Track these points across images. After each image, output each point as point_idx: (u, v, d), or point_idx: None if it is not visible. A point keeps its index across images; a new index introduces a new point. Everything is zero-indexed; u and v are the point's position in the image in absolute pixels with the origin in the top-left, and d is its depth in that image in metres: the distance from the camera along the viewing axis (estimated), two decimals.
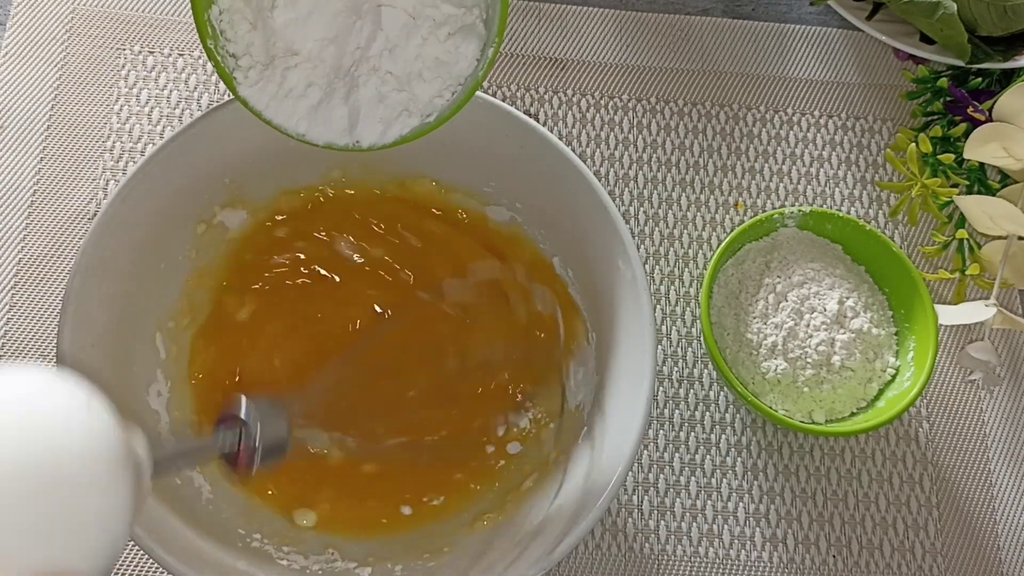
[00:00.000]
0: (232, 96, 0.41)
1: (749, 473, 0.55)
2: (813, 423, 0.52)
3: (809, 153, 0.63)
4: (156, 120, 0.59)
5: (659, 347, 0.57)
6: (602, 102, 0.63)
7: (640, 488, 0.54)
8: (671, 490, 0.54)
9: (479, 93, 0.47)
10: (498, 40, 0.38)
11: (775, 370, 0.51)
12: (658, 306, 0.58)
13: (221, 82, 0.60)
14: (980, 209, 0.57)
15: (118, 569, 0.50)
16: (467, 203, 0.52)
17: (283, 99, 0.40)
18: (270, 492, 0.48)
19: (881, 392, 0.53)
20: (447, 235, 0.53)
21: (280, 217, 0.52)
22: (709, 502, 0.54)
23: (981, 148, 0.58)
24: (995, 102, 0.58)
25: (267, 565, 0.44)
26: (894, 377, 0.53)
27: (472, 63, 0.40)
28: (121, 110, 0.60)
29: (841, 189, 0.62)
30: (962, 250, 0.60)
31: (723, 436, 0.56)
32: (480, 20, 0.40)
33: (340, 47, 0.40)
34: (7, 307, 0.55)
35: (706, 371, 0.57)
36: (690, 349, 0.57)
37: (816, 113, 0.64)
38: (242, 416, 0.36)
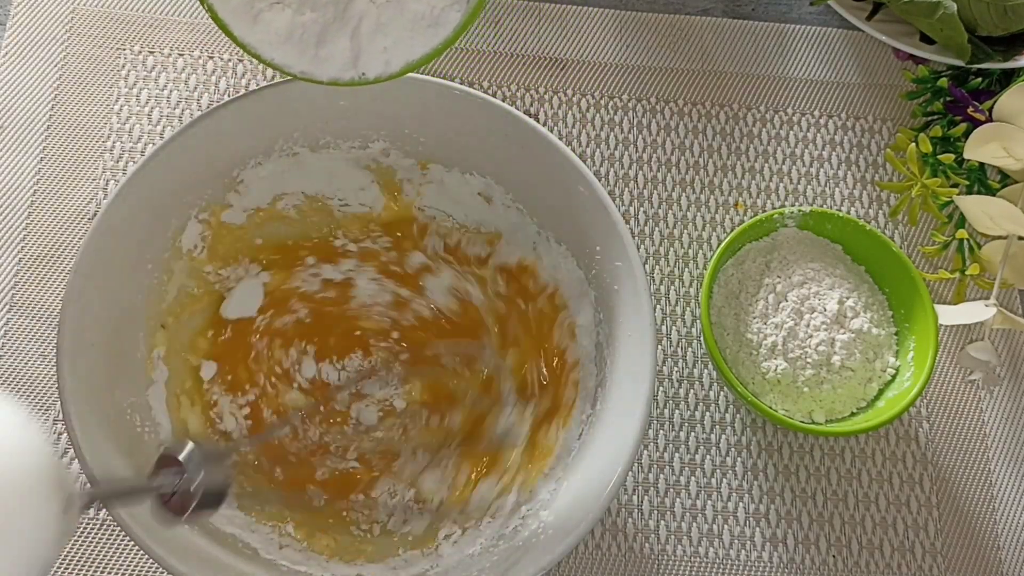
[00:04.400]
0: (231, 97, 0.41)
1: (749, 473, 0.55)
2: (813, 423, 0.52)
3: (809, 153, 0.63)
4: (156, 120, 0.59)
5: (659, 347, 0.57)
6: (602, 102, 0.63)
7: (640, 488, 0.54)
8: (671, 490, 0.54)
9: (479, 93, 0.47)
10: None
11: (775, 370, 0.51)
12: (658, 306, 0.58)
13: (221, 82, 0.60)
14: (980, 209, 0.57)
15: (118, 569, 0.50)
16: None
17: (284, 40, 0.40)
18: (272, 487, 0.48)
19: (881, 392, 0.53)
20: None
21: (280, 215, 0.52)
22: (709, 502, 0.54)
23: (981, 148, 0.57)
24: (995, 102, 0.58)
25: (267, 565, 0.44)
26: (894, 377, 0.53)
27: None
28: (121, 110, 0.60)
29: (841, 189, 0.62)
30: (962, 250, 0.60)
31: (723, 436, 0.56)
32: None
33: None
34: (7, 307, 0.55)
35: (706, 371, 0.57)
36: (690, 349, 0.57)
37: (816, 113, 0.64)
38: (181, 459, 0.35)
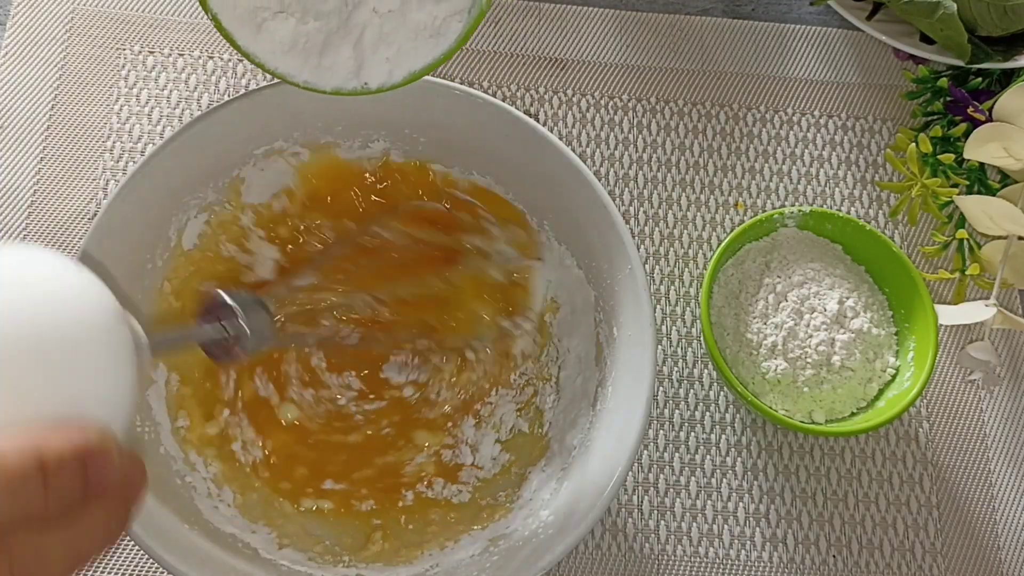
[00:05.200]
0: (231, 97, 0.41)
1: (749, 473, 0.55)
2: (813, 423, 0.52)
3: (809, 153, 0.63)
4: (156, 120, 0.59)
5: (659, 347, 0.57)
6: (602, 102, 0.63)
7: (640, 488, 0.54)
8: (671, 490, 0.54)
9: (479, 93, 0.47)
10: None
11: (775, 370, 0.51)
12: (658, 306, 0.58)
13: (221, 82, 0.60)
14: (980, 209, 0.57)
15: (118, 570, 0.50)
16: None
17: (288, 50, 0.40)
18: (283, 486, 0.48)
19: (881, 392, 0.53)
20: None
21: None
22: (709, 502, 0.54)
23: (981, 148, 0.58)
24: (995, 102, 0.58)
25: (267, 565, 0.44)
26: (894, 377, 0.53)
27: None
28: (121, 110, 0.60)
29: (841, 189, 0.62)
30: (962, 250, 0.60)
31: (723, 436, 0.56)
32: None
33: None
34: None
35: (706, 371, 0.57)
36: (690, 349, 0.57)
37: (816, 113, 0.64)
38: (228, 302, 0.36)
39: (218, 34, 0.51)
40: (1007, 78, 0.63)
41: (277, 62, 0.40)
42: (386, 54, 0.40)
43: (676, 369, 0.57)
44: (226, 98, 0.51)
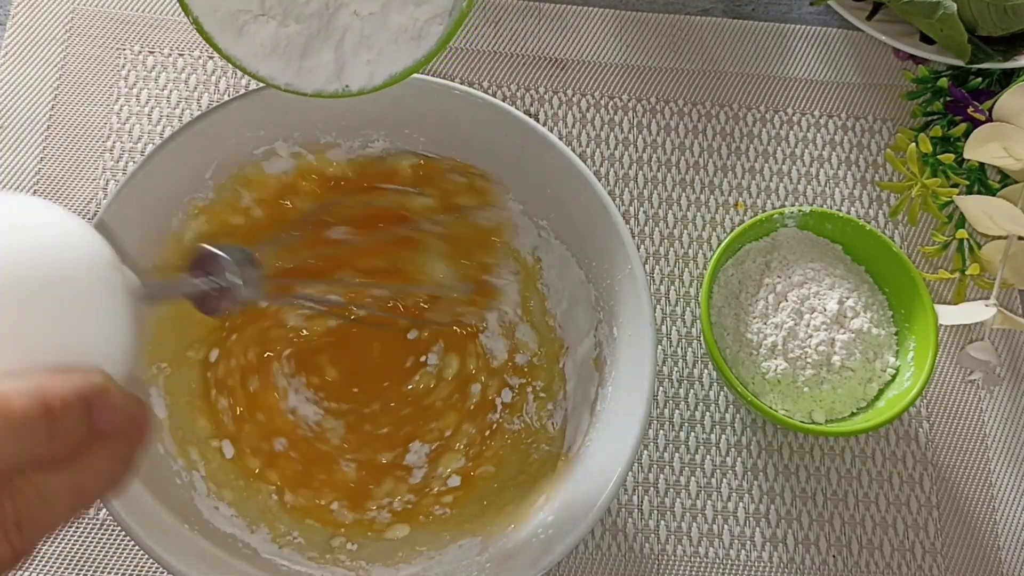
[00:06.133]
0: (231, 97, 0.41)
1: (749, 473, 0.55)
2: (813, 423, 0.52)
3: (809, 153, 0.63)
4: (156, 120, 0.59)
5: (659, 347, 0.57)
6: (602, 102, 0.63)
7: (640, 488, 0.54)
8: (671, 490, 0.54)
9: (479, 93, 0.47)
10: None
11: (775, 370, 0.51)
12: (658, 306, 0.58)
13: (221, 82, 0.60)
14: (980, 209, 0.57)
15: (118, 569, 0.50)
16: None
17: (269, 52, 0.40)
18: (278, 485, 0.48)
19: (881, 392, 0.53)
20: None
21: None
22: (709, 502, 0.54)
23: (981, 148, 0.58)
24: (995, 102, 0.58)
25: (267, 565, 0.44)
26: (894, 377, 0.53)
27: None
28: (121, 110, 0.60)
29: (841, 189, 0.62)
30: (962, 250, 0.60)
31: (723, 436, 0.56)
32: None
33: None
34: None
35: (706, 371, 0.57)
36: (690, 349, 0.57)
37: (816, 113, 0.64)
38: (218, 254, 0.36)
39: None
40: (1007, 78, 0.63)
41: (258, 65, 0.41)
42: (367, 56, 0.40)
43: (676, 369, 0.57)
44: (226, 98, 0.51)
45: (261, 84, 0.42)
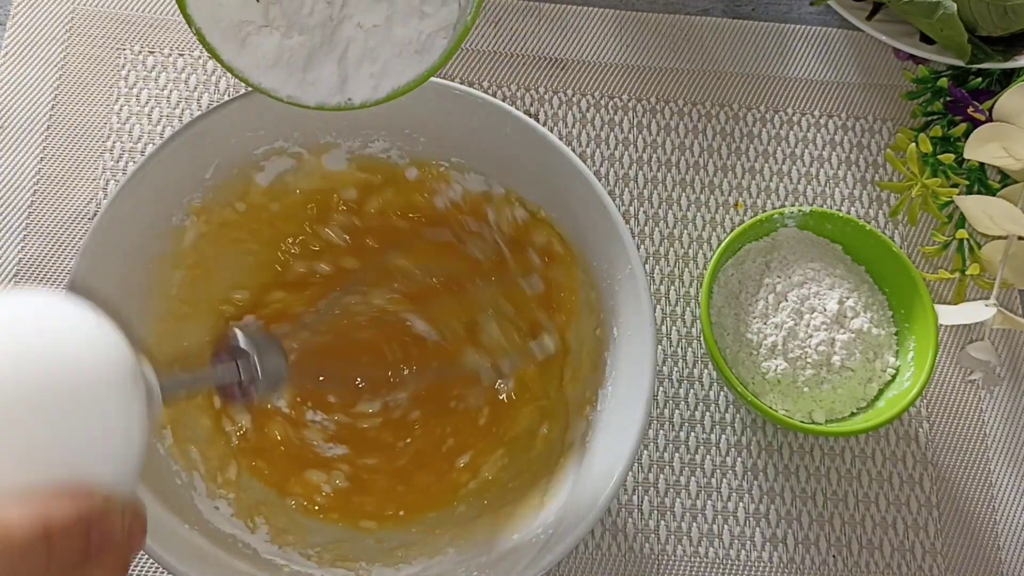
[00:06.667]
0: (231, 97, 0.41)
1: (749, 473, 0.55)
2: (813, 423, 0.52)
3: (809, 153, 0.63)
4: (156, 120, 0.59)
5: (659, 347, 0.57)
6: (602, 102, 0.63)
7: (640, 488, 0.54)
8: (671, 490, 0.54)
9: (479, 93, 0.47)
10: None
11: (775, 370, 0.51)
12: (658, 306, 0.58)
13: (221, 82, 0.60)
14: (980, 209, 0.57)
15: None
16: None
17: (272, 65, 0.40)
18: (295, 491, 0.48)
19: (881, 392, 0.53)
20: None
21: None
22: (709, 502, 0.54)
23: (981, 148, 0.58)
24: (995, 102, 0.58)
25: (267, 565, 0.44)
26: (894, 377, 0.53)
27: (455, 9, 0.39)
28: (121, 110, 0.60)
29: (841, 189, 0.62)
30: (962, 250, 0.60)
31: (723, 436, 0.56)
32: None
33: (319, 5, 0.39)
34: None
35: (706, 371, 0.57)
36: (690, 349, 0.57)
37: (816, 113, 0.64)
38: (241, 345, 0.36)
39: None
40: (1007, 78, 0.63)
41: (261, 77, 0.41)
42: (370, 69, 0.40)
43: (676, 369, 0.57)
44: (226, 98, 0.51)
45: None
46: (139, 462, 0.28)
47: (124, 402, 0.28)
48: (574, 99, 0.63)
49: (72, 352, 0.27)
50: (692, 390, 0.56)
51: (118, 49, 0.61)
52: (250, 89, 0.42)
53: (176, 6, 0.38)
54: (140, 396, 0.28)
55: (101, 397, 0.27)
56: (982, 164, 0.61)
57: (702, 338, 0.57)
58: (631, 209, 0.60)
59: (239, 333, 0.36)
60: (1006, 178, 0.61)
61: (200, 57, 0.61)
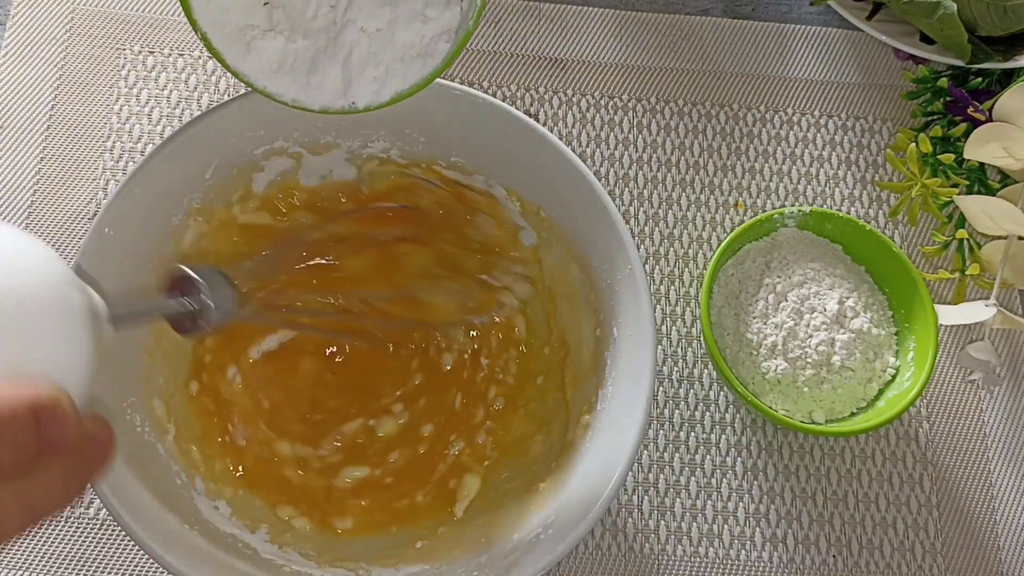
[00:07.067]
0: (231, 97, 0.41)
1: (749, 473, 0.55)
2: (813, 423, 0.52)
3: (809, 153, 0.63)
4: (156, 120, 0.59)
5: (659, 347, 0.57)
6: (602, 102, 0.63)
7: (640, 488, 0.54)
8: (671, 490, 0.54)
9: (479, 93, 0.47)
10: None
11: (775, 370, 0.51)
12: (658, 306, 0.58)
13: (221, 82, 0.60)
14: (980, 209, 0.57)
15: (118, 569, 0.50)
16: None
17: (276, 69, 0.40)
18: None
19: (881, 392, 0.53)
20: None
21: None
22: (709, 502, 0.54)
23: (981, 148, 0.58)
24: (995, 102, 0.58)
25: (267, 565, 0.44)
26: (894, 377, 0.53)
27: (458, 13, 0.40)
28: (121, 110, 0.60)
29: (841, 189, 0.62)
30: (962, 250, 0.60)
31: (723, 436, 0.56)
32: None
33: (322, 9, 0.40)
34: None
35: (706, 371, 0.57)
36: (690, 349, 0.57)
37: (816, 113, 0.64)
38: (192, 275, 0.37)
39: None
40: (1007, 78, 0.63)
41: (266, 81, 0.41)
42: (374, 73, 0.41)
43: (676, 369, 0.57)
44: (226, 98, 0.51)
45: None
46: (89, 374, 0.29)
47: (64, 309, 0.28)
48: (574, 99, 0.63)
49: (5, 262, 0.27)
50: (692, 390, 0.56)
51: (118, 49, 0.61)
52: (250, 90, 0.42)
53: (179, 8, 0.38)
54: (82, 306, 0.29)
55: (41, 303, 0.27)
56: (982, 164, 0.61)
57: (702, 338, 0.57)
58: (631, 209, 0.60)
59: (186, 268, 0.37)
60: (1006, 178, 0.61)
61: (200, 57, 0.61)
